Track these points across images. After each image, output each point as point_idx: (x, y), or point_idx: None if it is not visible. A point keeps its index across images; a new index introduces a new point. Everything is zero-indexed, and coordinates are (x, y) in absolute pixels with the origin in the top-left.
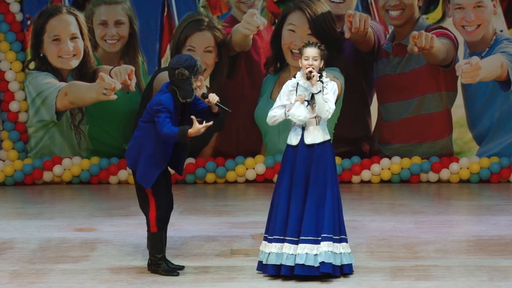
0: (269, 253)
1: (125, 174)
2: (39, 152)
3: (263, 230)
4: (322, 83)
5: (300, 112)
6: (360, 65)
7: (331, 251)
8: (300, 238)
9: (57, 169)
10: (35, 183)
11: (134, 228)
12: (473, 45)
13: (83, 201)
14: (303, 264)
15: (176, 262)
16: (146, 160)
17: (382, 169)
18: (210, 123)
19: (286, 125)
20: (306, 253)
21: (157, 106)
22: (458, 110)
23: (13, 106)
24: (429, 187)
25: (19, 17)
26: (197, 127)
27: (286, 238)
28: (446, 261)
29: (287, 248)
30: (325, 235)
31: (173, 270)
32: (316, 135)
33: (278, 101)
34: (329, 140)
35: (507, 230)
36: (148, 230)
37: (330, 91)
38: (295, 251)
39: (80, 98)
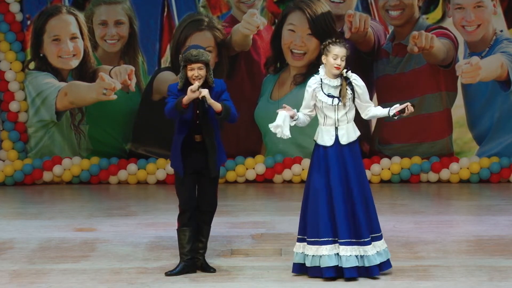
0: (321, 256)
1: (125, 174)
2: (39, 152)
3: (263, 230)
4: (348, 78)
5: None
6: (360, 65)
7: (375, 253)
8: (361, 240)
9: (57, 169)
10: (35, 183)
11: (134, 228)
12: (473, 45)
13: (83, 201)
14: (352, 267)
15: (176, 262)
16: (172, 148)
17: (382, 169)
18: (196, 85)
19: None
20: (355, 255)
21: (167, 93)
22: (458, 110)
23: (13, 106)
24: (429, 187)
25: (19, 17)
26: (188, 95)
27: (339, 240)
28: (446, 261)
29: (344, 251)
30: (367, 238)
31: (173, 270)
32: (350, 134)
33: (302, 107)
34: (359, 135)
35: (507, 230)
36: None
37: (364, 91)
38: (352, 252)
39: (80, 98)
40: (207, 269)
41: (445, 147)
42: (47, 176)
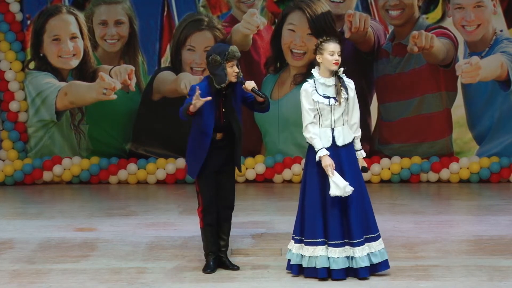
0: (317, 257)
1: (125, 174)
2: (39, 152)
3: (263, 230)
4: (341, 78)
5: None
6: (360, 65)
7: (366, 255)
8: (354, 241)
9: (57, 169)
10: (35, 183)
11: (134, 228)
12: (473, 45)
13: (83, 201)
14: (339, 269)
15: (176, 262)
16: (189, 151)
17: (382, 169)
18: (207, 98)
19: (286, 125)
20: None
21: (188, 93)
22: (458, 110)
23: (13, 106)
24: (429, 187)
25: (19, 17)
26: (194, 103)
27: (328, 241)
28: (446, 261)
29: (333, 252)
30: (357, 240)
31: (208, 268)
32: (346, 135)
33: (307, 116)
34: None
35: (507, 230)
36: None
37: (354, 96)
38: (341, 254)
39: (80, 98)
40: (231, 266)
41: (445, 147)
42: (47, 176)
